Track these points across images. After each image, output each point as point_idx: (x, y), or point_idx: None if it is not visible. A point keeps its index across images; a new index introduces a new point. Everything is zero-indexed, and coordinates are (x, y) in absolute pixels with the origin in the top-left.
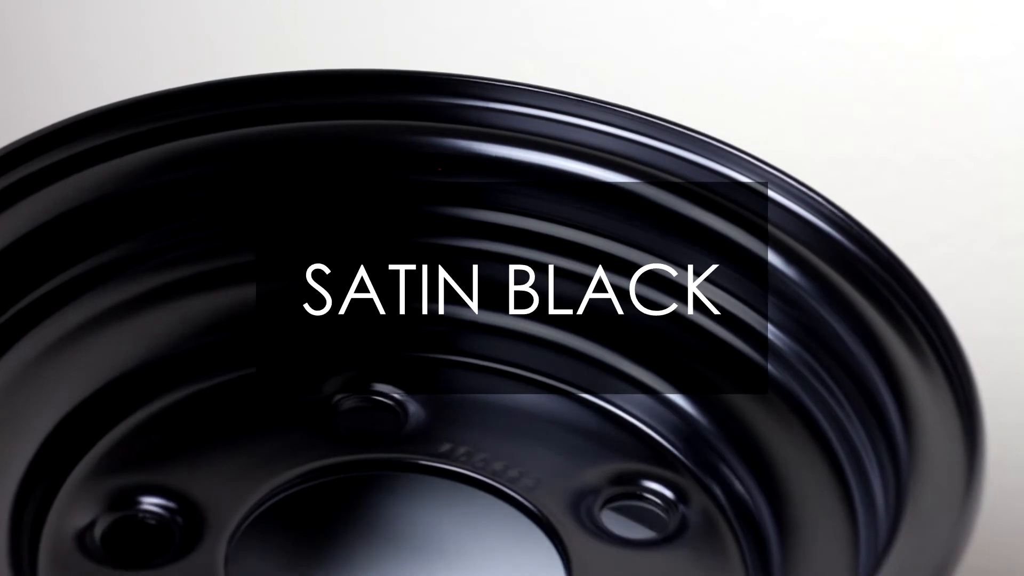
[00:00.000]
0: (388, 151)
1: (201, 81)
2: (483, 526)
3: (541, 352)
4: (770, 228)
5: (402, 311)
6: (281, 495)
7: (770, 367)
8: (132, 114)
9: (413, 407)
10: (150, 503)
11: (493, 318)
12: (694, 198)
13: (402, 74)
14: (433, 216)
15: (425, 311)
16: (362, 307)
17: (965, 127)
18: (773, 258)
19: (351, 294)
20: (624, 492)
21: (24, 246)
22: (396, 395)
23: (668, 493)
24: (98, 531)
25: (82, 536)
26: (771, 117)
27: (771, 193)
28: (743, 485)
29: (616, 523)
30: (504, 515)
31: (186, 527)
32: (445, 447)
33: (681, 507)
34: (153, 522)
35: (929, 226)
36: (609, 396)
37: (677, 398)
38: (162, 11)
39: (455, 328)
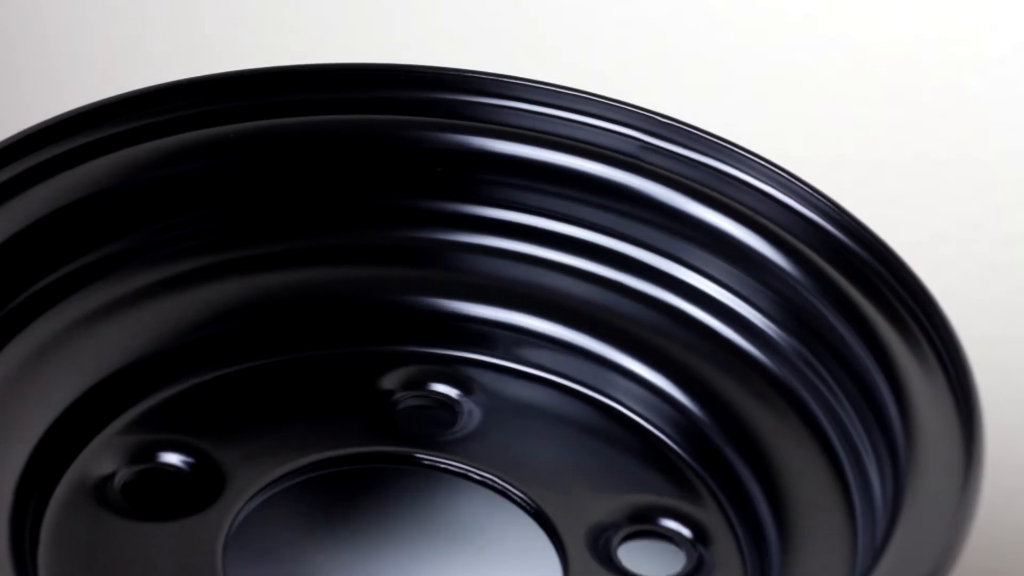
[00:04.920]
0: (389, 147)
1: (205, 74)
2: (483, 522)
3: (542, 348)
4: (772, 226)
5: (403, 307)
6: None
7: (770, 364)
8: (135, 107)
9: (423, 403)
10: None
11: (495, 313)
12: (696, 195)
13: (404, 69)
14: (433, 212)
15: (426, 307)
16: (363, 304)
17: (965, 127)
18: (774, 255)
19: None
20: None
21: (26, 239)
22: (401, 390)
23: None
24: (118, 482)
25: (102, 487)
26: (771, 117)
27: (773, 191)
28: (742, 481)
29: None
30: (503, 511)
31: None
32: (449, 444)
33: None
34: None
35: (929, 226)
36: (611, 392)
37: (677, 394)
38: (164, 4)
39: (457, 323)
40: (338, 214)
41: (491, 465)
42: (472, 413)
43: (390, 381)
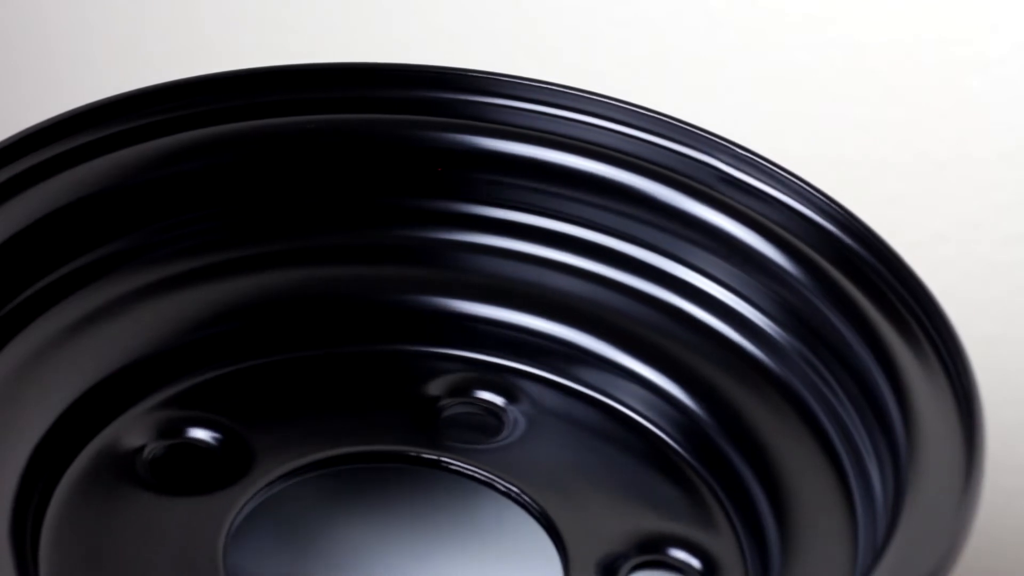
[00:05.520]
0: (389, 147)
1: (203, 74)
2: (497, 533)
3: (543, 349)
4: (773, 226)
5: (403, 307)
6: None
7: (771, 364)
8: (134, 107)
9: (445, 403)
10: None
11: (498, 313)
12: (698, 195)
13: (404, 69)
14: (433, 212)
15: (427, 307)
16: (364, 301)
17: (965, 127)
18: (776, 255)
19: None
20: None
21: (26, 239)
22: (421, 391)
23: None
24: (147, 456)
25: (130, 460)
26: (771, 117)
27: (773, 191)
28: (743, 481)
29: None
30: (520, 524)
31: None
32: (458, 446)
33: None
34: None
35: (929, 226)
36: (612, 392)
37: (679, 394)
38: (164, 4)
39: (458, 322)
40: (338, 214)
41: (514, 475)
42: (518, 422)
43: (421, 384)
